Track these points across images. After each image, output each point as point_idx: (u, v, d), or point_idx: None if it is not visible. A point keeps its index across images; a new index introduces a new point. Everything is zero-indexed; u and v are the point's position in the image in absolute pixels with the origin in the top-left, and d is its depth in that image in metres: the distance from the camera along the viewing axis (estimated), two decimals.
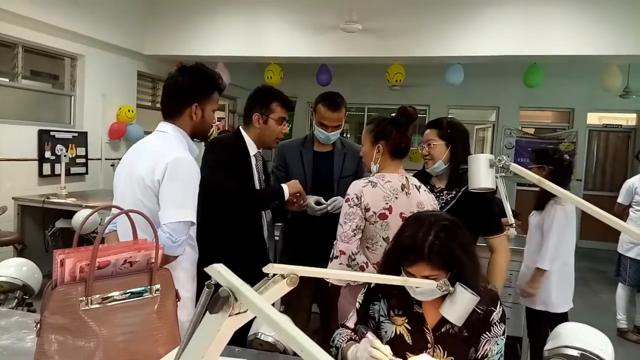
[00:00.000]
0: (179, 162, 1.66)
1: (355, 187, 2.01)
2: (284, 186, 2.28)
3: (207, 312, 0.69)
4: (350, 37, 5.48)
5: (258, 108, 2.29)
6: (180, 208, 1.63)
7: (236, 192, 2.20)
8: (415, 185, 2.07)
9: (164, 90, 1.88)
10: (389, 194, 2.00)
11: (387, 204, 1.99)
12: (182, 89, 1.82)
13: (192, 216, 1.66)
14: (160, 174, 1.64)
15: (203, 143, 2.37)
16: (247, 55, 6.02)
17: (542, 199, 3.18)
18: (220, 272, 0.68)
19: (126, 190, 1.75)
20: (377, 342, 1.35)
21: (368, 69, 7.30)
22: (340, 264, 1.98)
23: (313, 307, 2.73)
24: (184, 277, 1.76)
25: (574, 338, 1.41)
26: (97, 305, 1.16)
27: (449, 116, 8.76)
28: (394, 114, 2.12)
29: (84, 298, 1.14)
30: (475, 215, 2.17)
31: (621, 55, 5.03)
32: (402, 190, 2.02)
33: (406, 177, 2.06)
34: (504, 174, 1.52)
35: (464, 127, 2.36)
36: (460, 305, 1.32)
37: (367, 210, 1.99)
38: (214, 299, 0.67)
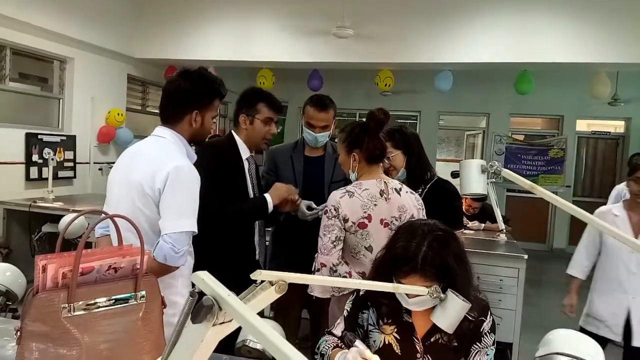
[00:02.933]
0: (181, 171, 1.63)
1: (333, 198, 2.01)
2: (267, 197, 2.22)
3: (191, 321, 0.66)
4: (341, 43, 5.48)
5: (245, 109, 2.28)
6: (182, 218, 1.61)
7: (216, 213, 2.14)
8: (396, 189, 2.05)
9: (164, 94, 1.83)
10: (367, 202, 1.98)
11: (365, 212, 1.98)
12: (183, 95, 1.77)
13: (194, 226, 1.64)
14: (161, 182, 1.61)
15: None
16: (238, 59, 6.01)
17: None
18: (204, 280, 0.66)
19: (122, 197, 1.71)
20: (367, 352, 1.32)
21: (359, 74, 7.31)
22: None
23: (303, 313, 2.71)
24: (181, 283, 1.74)
25: (564, 344, 1.40)
26: (80, 312, 1.12)
27: (439, 122, 8.84)
28: (364, 119, 2.12)
29: (67, 305, 1.10)
30: (439, 209, 2.18)
31: (610, 63, 5.08)
32: (381, 197, 2.00)
33: (385, 182, 2.05)
34: (494, 180, 1.52)
35: (413, 132, 2.57)
36: (451, 312, 1.30)
37: (345, 221, 1.97)
38: (197, 308, 0.65)
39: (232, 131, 2.35)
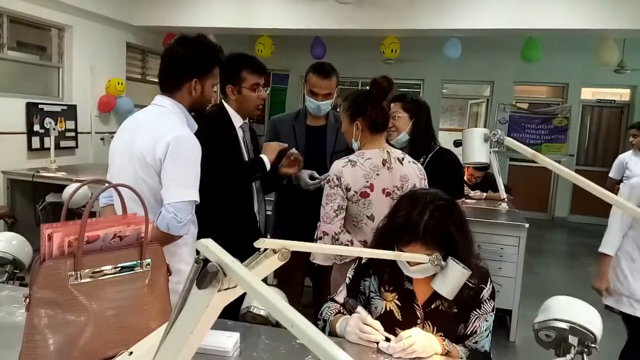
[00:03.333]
0: (181, 140, 1.63)
1: (335, 167, 2.01)
2: (263, 156, 2.20)
3: (196, 287, 0.68)
4: (344, 9, 5.38)
5: (230, 80, 2.22)
6: (183, 187, 1.61)
7: (214, 183, 2.13)
8: (398, 158, 2.05)
9: (162, 62, 1.79)
10: (369, 171, 1.99)
11: (367, 182, 1.98)
12: (182, 63, 1.74)
13: (196, 195, 1.65)
14: (162, 152, 1.61)
15: None
16: (239, 26, 5.91)
17: None
18: (208, 247, 0.67)
19: (124, 166, 1.72)
20: (369, 319, 1.35)
21: (362, 42, 7.20)
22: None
23: (306, 281, 2.75)
24: (186, 252, 1.76)
25: (563, 311, 1.42)
26: (87, 280, 1.14)
27: (443, 90, 8.75)
28: (367, 87, 2.11)
29: (73, 272, 1.12)
30: (440, 179, 2.20)
31: (617, 29, 4.98)
32: (384, 166, 2.01)
33: (387, 152, 2.05)
34: (497, 149, 1.51)
35: (425, 102, 2.56)
36: (451, 279, 1.33)
37: (348, 190, 1.98)
38: (203, 274, 0.66)
39: (223, 101, 2.32)
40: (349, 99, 2.11)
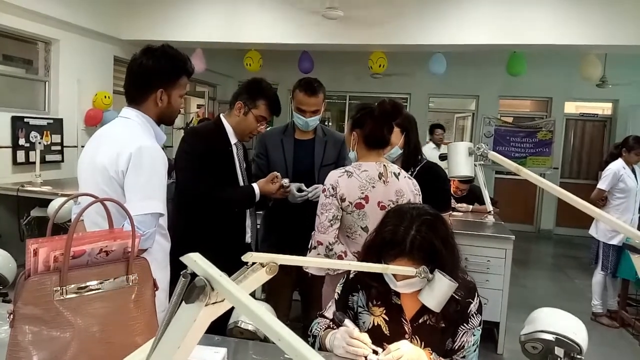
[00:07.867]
0: (143, 152, 1.60)
1: (331, 177, 2.03)
2: (255, 187, 2.25)
3: (183, 301, 0.68)
4: (331, 24, 5.43)
5: (245, 97, 2.26)
6: (147, 199, 1.58)
7: (205, 194, 2.17)
8: (394, 173, 2.08)
9: (127, 73, 1.77)
10: (365, 183, 2.01)
11: (363, 193, 2.00)
12: (147, 73, 1.72)
13: (160, 207, 1.61)
14: (124, 164, 1.59)
15: (182, 131, 2.33)
16: (227, 41, 5.93)
17: None
18: (196, 261, 0.67)
19: (88, 180, 1.69)
20: (356, 332, 1.35)
21: (350, 56, 7.27)
22: (318, 254, 2.00)
23: (294, 295, 2.74)
24: (155, 267, 1.72)
25: (549, 323, 1.43)
26: (72, 295, 1.13)
27: (429, 104, 8.85)
28: (376, 103, 2.14)
29: (59, 288, 1.11)
30: (428, 192, 2.22)
31: (599, 45, 5.10)
32: (380, 179, 2.03)
33: (384, 166, 2.08)
34: (482, 162, 1.53)
35: (413, 116, 2.64)
36: (439, 291, 1.33)
37: (342, 200, 1.99)
38: (190, 289, 0.66)
39: (222, 116, 2.34)
40: (357, 109, 2.17)
